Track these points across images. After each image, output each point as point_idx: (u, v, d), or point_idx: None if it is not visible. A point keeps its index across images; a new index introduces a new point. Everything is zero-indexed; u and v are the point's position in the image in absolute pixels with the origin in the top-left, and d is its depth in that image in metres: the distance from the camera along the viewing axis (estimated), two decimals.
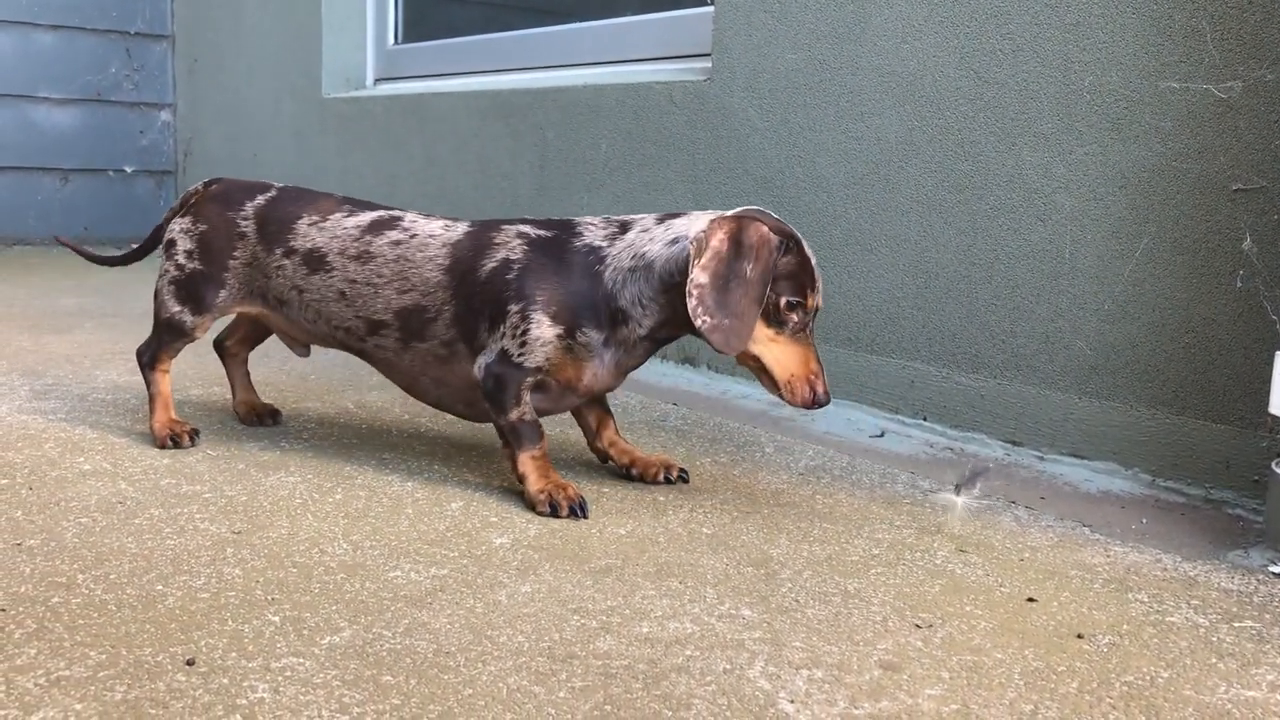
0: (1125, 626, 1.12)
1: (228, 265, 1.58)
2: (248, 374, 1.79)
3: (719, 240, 1.31)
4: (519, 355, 1.37)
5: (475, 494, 1.46)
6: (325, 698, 0.91)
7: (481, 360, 1.41)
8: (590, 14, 2.78)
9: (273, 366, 2.19)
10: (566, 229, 1.43)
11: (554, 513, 1.37)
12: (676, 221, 1.39)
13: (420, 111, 3.01)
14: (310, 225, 1.55)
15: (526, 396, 1.40)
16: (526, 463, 1.41)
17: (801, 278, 1.34)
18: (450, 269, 1.44)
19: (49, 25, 4.03)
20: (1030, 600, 1.18)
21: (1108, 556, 1.32)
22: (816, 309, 1.37)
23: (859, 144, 1.92)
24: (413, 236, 1.49)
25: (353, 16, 3.45)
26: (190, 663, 0.96)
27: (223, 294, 1.59)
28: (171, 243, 1.62)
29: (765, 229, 1.32)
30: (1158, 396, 1.57)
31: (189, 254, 1.60)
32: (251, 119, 3.84)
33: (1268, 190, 1.44)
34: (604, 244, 1.40)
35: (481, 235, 1.46)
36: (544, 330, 1.37)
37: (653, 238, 1.38)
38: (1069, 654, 1.05)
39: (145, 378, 1.65)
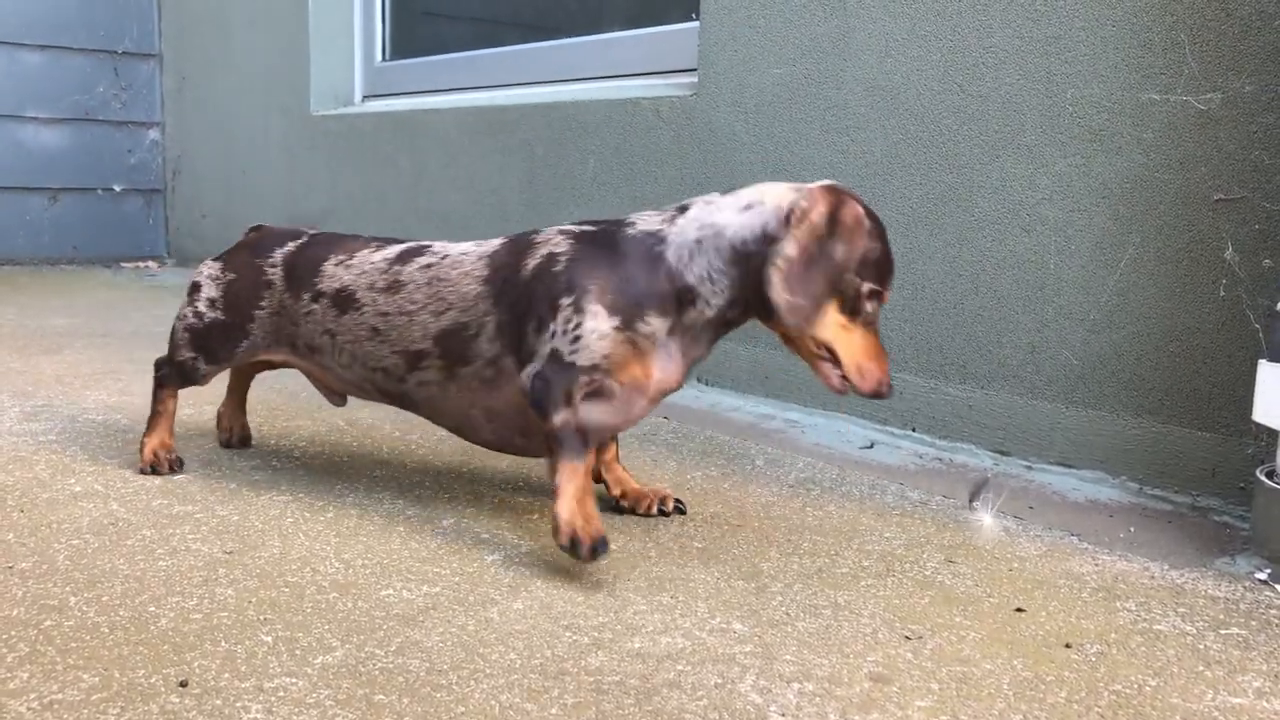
0: (1113, 635, 1.13)
1: (253, 316, 1.52)
2: (247, 391, 1.75)
3: (819, 214, 1.23)
4: (570, 353, 1.25)
5: (467, 510, 1.46)
6: (318, 717, 0.92)
7: (529, 369, 1.28)
8: (577, 30, 2.79)
9: (264, 385, 2.19)
10: (616, 223, 1.34)
11: (573, 550, 1.21)
12: (744, 191, 1.30)
13: (408, 128, 3.02)
14: (337, 265, 1.47)
15: (577, 399, 1.26)
16: (564, 474, 1.25)
17: (884, 265, 1.28)
18: (489, 278, 1.35)
19: (36, 45, 4.04)
20: (1019, 610, 1.18)
21: (1095, 565, 1.33)
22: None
23: (844, 157, 1.94)
24: (444, 258, 1.41)
25: (341, 34, 3.47)
26: (184, 684, 0.96)
27: (244, 344, 1.54)
28: (196, 286, 1.58)
29: (861, 210, 1.26)
30: (1144, 405, 1.59)
31: (211, 303, 1.55)
32: (240, 137, 3.85)
33: (1248, 200, 1.46)
34: (662, 226, 1.30)
35: (521, 240, 1.37)
36: (599, 322, 1.25)
37: (720, 207, 1.28)
38: (1057, 663, 1.06)
39: (154, 392, 1.61)
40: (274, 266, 1.52)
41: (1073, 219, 1.64)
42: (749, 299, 1.27)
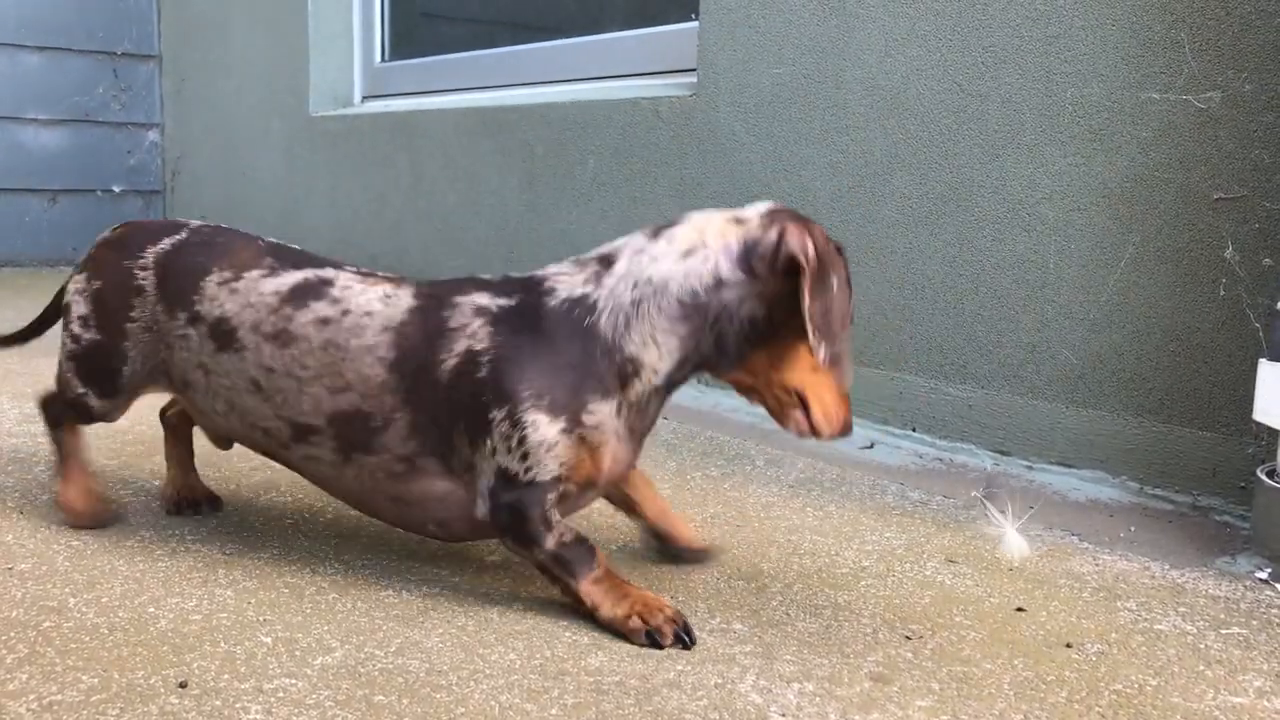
0: (1114, 635, 1.13)
1: (125, 331, 1.25)
2: (191, 452, 1.45)
3: (814, 252, 1.07)
4: (526, 472, 1.09)
5: None
6: (318, 718, 0.91)
7: (483, 486, 1.12)
8: (577, 30, 2.79)
9: None
10: (532, 289, 1.14)
11: (654, 643, 1.07)
12: (678, 231, 1.12)
13: (408, 129, 3.02)
14: (220, 284, 1.21)
15: (555, 515, 1.11)
16: (591, 591, 1.11)
17: (849, 291, 1.14)
18: (397, 365, 1.13)
19: (36, 46, 4.03)
20: (1019, 610, 1.18)
21: (1096, 565, 1.33)
22: None
23: (845, 157, 1.94)
24: (344, 313, 1.16)
25: (340, 34, 3.46)
26: (183, 685, 0.96)
27: (126, 370, 1.26)
28: (67, 307, 1.31)
29: (825, 232, 1.12)
30: (1144, 405, 1.58)
31: (84, 320, 1.27)
32: (239, 138, 3.85)
33: (1248, 199, 1.46)
34: (588, 289, 1.12)
35: (431, 316, 1.14)
36: (545, 431, 1.08)
37: (655, 256, 1.11)
38: (1058, 663, 1.06)
39: (50, 434, 1.35)
40: (145, 269, 1.25)
41: (1072, 218, 1.64)
42: (704, 355, 1.12)
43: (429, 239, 2.95)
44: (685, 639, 1.07)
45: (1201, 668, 1.06)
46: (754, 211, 1.12)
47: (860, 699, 0.97)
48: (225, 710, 0.92)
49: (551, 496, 1.10)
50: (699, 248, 1.10)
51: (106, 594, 1.15)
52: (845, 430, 1.16)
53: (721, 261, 1.09)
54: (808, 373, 1.13)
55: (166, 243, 1.27)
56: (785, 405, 1.15)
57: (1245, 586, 1.27)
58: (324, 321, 1.16)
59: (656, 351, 1.10)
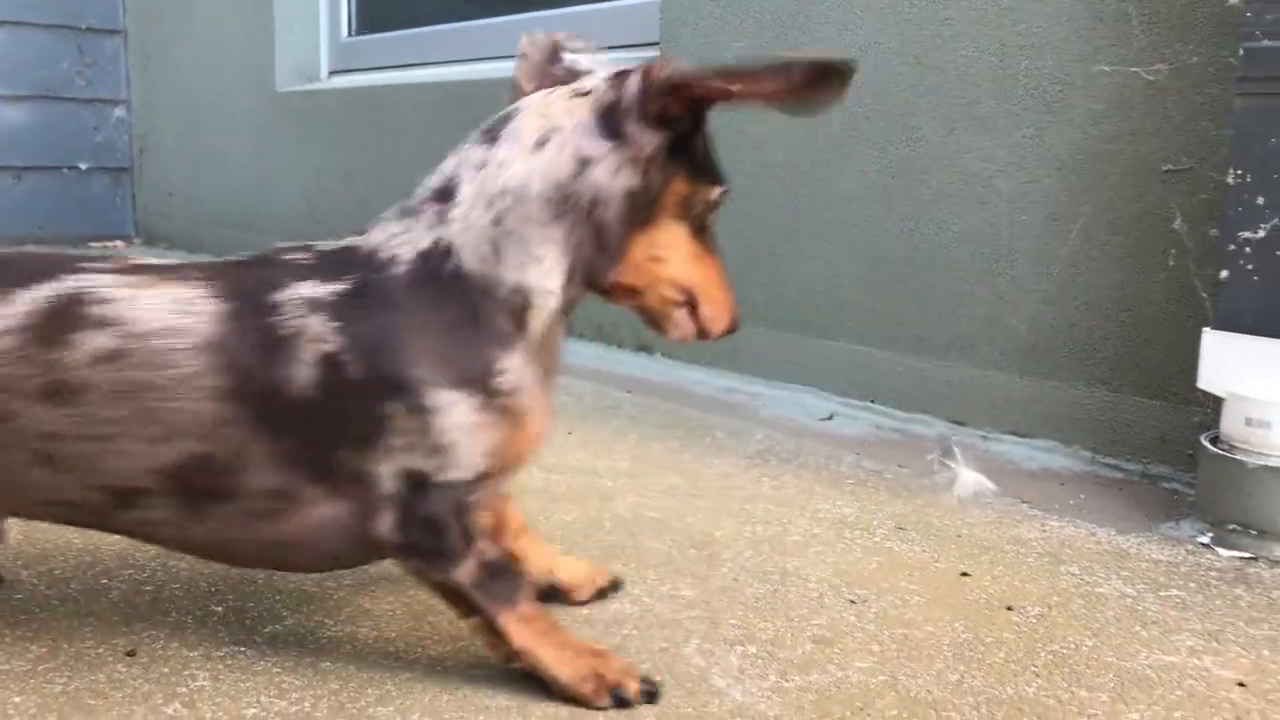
0: (1054, 598, 1.15)
1: None
2: None
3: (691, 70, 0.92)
4: (440, 471, 0.87)
5: None
6: (265, 684, 0.93)
7: (384, 493, 0.87)
8: (542, 4, 2.78)
9: None
10: (368, 263, 0.91)
11: (621, 703, 0.90)
12: (519, 124, 0.93)
13: (375, 104, 3.01)
14: None
15: (477, 525, 0.90)
16: (521, 631, 0.91)
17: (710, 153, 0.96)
18: (237, 393, 0.86)
19: None
20: (964, 575, 1.20)
21: (1043, 531, 1.35)
22: None
23: (804, 130, 1.95)
24: (133, 338, 0.86)
25: (306, 8, 3.44)
26: (131, 653, 0.97)
27: None
28: None
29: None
30: (1095, 375, 1.61)
31: None
32: (206, 114, 3.82)
33: (1196, 171, 1.48)
34: (435, 234, 0.91)
35: (253, 324, 0.87)
36: (461, 412, 0.86)
37: (501, 162, 0.91)
38: (998, 625, 1.08)
39: None
40: None
41: (1027, 191, 1.65)
42: (588, 257, 0.91)
43: None
44: (650, 688, 0.92)
45: (1137, 628, 1.08)
46: (593, 81, 0.94)
47: (801, 660, 0.99)
48: (172, 677, 0.93)
49: (474, 500, 0.89)
50: (551, 133, 0.91)
51: (59, 566, 1.16)
52: (735, 324, 0.98)
53: (582, 140, 0.90)
54: (692, 263, 0.95)
55: None
56: (671, 307, 0.96)
57: (1187, 550, 1.29)
58: (109, 358, 0.86)
59: (539, 268, 0.90)
